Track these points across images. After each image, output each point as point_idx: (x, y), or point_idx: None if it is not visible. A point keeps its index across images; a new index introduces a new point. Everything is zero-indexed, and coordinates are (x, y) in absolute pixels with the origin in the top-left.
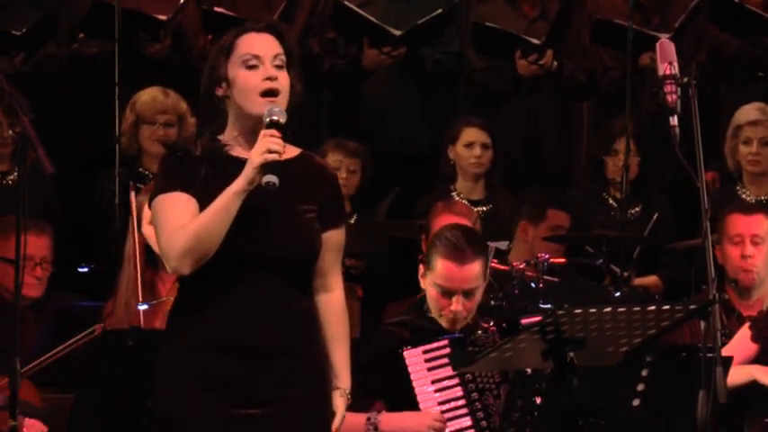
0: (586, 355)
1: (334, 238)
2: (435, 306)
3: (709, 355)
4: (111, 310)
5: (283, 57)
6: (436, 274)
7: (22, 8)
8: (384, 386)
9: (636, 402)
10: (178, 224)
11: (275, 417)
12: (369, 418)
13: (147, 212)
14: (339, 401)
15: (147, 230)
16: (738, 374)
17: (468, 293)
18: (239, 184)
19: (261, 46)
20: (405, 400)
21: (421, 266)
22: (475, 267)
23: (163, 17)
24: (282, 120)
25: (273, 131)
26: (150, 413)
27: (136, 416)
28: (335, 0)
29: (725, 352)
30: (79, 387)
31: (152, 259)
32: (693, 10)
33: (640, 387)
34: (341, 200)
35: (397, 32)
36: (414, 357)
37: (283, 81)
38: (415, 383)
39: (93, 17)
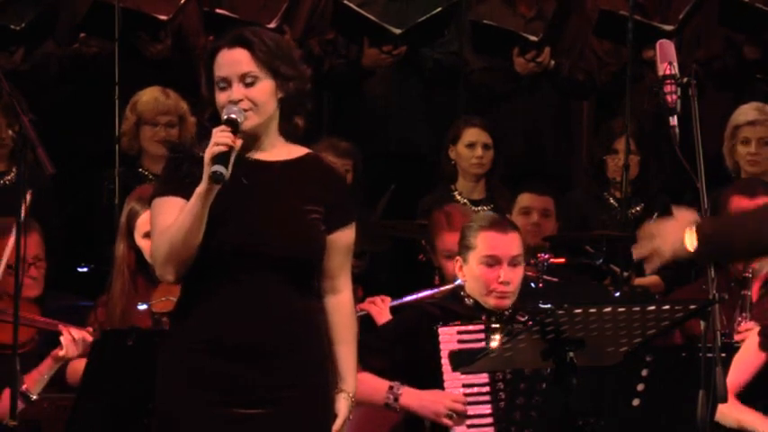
0: (586, 354)
1: (341, 240)
2: (482, 285)
3: (708, 355)
4: (105, 311)
5: (255, 72)
6: (480, 249)
7: (21, 5)
8: (407, 359)
9: (636, 402)
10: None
11: (273, 417)
12: (391, 387)
13: (140, 224)
14: (342, 404)
15: (141, 243)
16: (728, 417)
17: (513, 262)
18: (201, 185)
19: (229, 66)
20: (427, 377)
21: (458, 259)
22: (517, 236)
23: (163, 17)
24: (240, 118)
25: (224, 126)
26: (150, 413)
27: (136, 416)
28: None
29: (734, 363)
30: (79, 387)
31: (144, 267)
32: (695, 5)
33: (640, 387)
34: (349, 201)
35: (398, 31)
36: (447, 335)
37: (256, 96)
38: (444, 361)
39: (93, 16)
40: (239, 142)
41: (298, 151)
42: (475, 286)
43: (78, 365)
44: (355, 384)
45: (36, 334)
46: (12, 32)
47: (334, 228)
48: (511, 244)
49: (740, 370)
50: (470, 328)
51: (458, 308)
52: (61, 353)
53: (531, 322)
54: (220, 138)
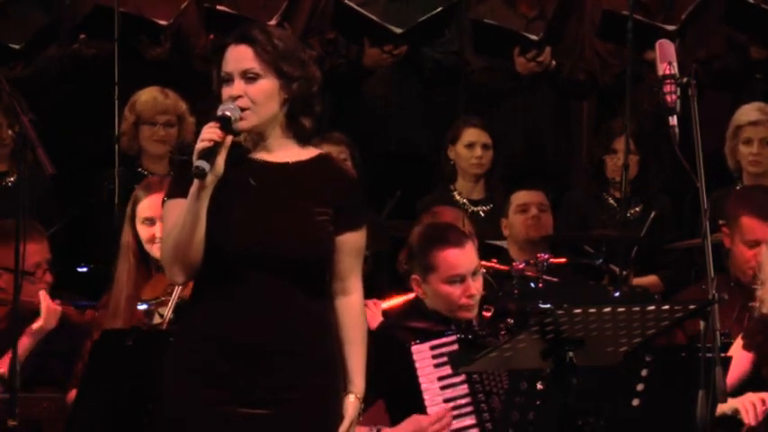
0: (586, 354)
1: (351, 242)
2: (449, 302)
3: (708, 354)
4: (107, 302)
5: (257, 70)
6: (442, 270)
7: (26, 10)
8: (387, 385)
9: (635, 402)
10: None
11: (274, 417)
12: None
13: (139, 209)
14: (349, 406)
15: (140, 229)
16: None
17: (475, 273)
18: (195, 184)
19: (233, 62)
20: (408, 397)
21: (414, 277)
22: (472, 246)
23: (163, 22)
24: (234, 116)
25: (213, 123)
26: (150, 413)
27: (136, 416)
28: None
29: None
30: (79, 387)
31: (144, 256)
32: (699, 4)
33: (640, 387)
34: (359, 203)
35: (399, 31)
36: (421, 353)
37: (255, 94)
38: (421, 379)
39: (94, 19)
40: (229, 139)
41: (308, 152)
42: (440, 304)
43: None
44: (363, 386)
45: (5, 316)
46: (11, 51)
47: (343, 230)
48: (469, 256)
49: (729, 372)
50: (443, 340)
51: (421, 323)
52: (39, 323)
53: (504, 328)
54: (206, 133)
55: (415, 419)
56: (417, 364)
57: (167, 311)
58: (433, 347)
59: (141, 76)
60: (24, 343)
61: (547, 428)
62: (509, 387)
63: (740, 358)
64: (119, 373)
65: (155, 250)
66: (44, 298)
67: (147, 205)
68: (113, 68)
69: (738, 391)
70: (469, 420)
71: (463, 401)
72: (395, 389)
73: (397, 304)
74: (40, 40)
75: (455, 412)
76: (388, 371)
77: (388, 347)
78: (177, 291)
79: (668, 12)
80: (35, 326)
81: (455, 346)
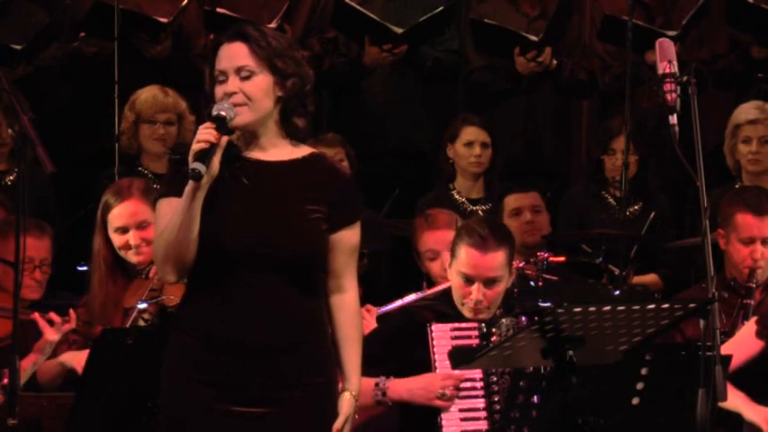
0: (586, 353)
1: (346, 239)
2: (458, 294)
3: (708, 353)
4: (85, 305)
5: (252, 66)
6: (459, 262)
7: (29, 9)
8: (398, 361)
9: (635, 401)
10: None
11: (273, 416)
12: (377, 384)
13: (111, 218)
14: (345, 403)
15: (113, 237)
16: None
17: (489, 282)
18: (188, 184)
19: (227, 59)
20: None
21: (447, 256)
22: (498, 256)
23: (163, 19)
24: (230, 115)
25: (208, 123)
26: (150, 412)
27: (135, 415)
28: None
29: (728, 346)
30: (78, 386)
31: (118, 263)
32: (700, 8)
33: (640, 385)
34: (353, 201)
35: (399, 30)
36: (441, 332)
37: (251, 90)
38: (437, 357)
39: (94, 17)
40: (224, 140)
41: (301, 151)
42: (454, 293)
43: (46, 367)
44: (359, 384)
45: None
46: (13, 51)
47: (337, 227)
48: (489, 264)
49: (733, 353)
50: (464, 325)
51: (448, 309)
52: (43, 339)
53: (525, 316)
54: (202, 135)
55: (426, 374)
56: (435, 342)
57: (133, 314)
58: (453, 329)
59: (141, 75)
60: (33, 359)
61: (547, 427)
62: (511, 388)
63: (750, 342)
64: (119, 371)
65: (130, 256)
66: (40, 316)
67: (119, 214)
68: (113, 67)
69: (740, 376)
70: (480, 403)
71: (476, 384)
72: (409, 367)
73: (395, 308)
74: (41, 40)
75: (466, 393)
76: (405, 346)
77: (409, 324)
78: (147, 291)
79: (669, 14)
80: (39, 344)
81: (476, 332)
